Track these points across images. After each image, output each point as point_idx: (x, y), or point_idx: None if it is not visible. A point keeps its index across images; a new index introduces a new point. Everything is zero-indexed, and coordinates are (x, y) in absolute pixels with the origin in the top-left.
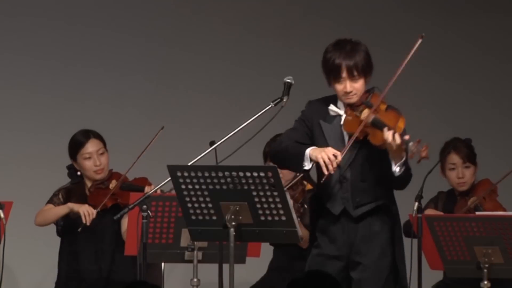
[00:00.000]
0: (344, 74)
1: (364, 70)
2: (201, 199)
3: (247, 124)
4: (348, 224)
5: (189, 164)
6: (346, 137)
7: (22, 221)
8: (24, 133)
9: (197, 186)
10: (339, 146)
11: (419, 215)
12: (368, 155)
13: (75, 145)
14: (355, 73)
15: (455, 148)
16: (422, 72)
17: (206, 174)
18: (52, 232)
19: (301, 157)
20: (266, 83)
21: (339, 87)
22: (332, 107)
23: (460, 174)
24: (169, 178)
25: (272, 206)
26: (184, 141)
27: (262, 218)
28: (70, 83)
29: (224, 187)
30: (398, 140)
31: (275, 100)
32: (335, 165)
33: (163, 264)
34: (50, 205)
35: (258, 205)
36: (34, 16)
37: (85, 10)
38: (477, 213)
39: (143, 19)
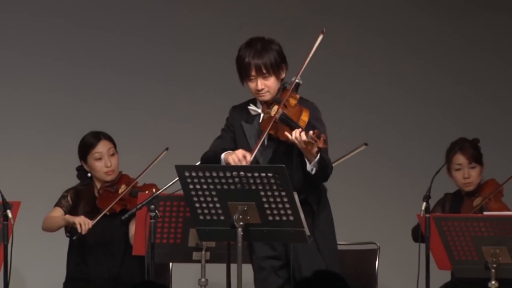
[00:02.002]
0: (253, 73)
1: (274, 68)
2: (209, 199)
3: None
4: None
5: (197, 164)
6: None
7: (30, 221)
8: (32, 133)
9: (205, 186)
10: (264, 150)
11: (427, 215)
12: (286, 151)
13: (86, 146)
14: (264, 71)
15: (461, 148)
16: (429, 72)
17: (214, 174)
18: (61, 232)
19: (218, 163)
20: None
21: (251, 85)
22: (251, 106)
23: (466, 174)
24: (177, 178)
25: (280, 206)
26: (192, 141)
27: (270, 218)
28: (79, 83)
29: (232, 187)
30: (303, 137)
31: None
32: (243, 162)
33: (171, 264)
34: (58, 209)
35: (266, 205)
36: (43, 16)
37: (94, 12)
38: (485, 213)
39: (152, 21)
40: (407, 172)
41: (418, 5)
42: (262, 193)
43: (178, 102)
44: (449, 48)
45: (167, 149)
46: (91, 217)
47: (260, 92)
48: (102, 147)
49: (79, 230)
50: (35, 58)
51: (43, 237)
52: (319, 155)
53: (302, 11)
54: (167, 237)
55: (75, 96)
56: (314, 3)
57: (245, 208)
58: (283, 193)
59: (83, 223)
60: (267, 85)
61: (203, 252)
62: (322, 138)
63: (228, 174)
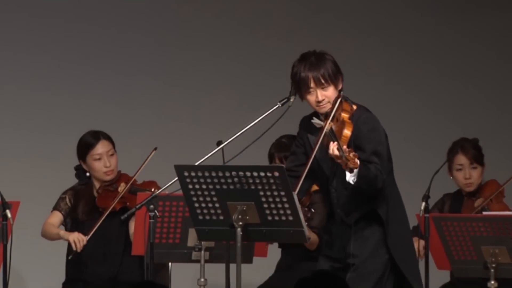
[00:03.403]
0: (312, 85)
1: (331, 78)
2: (208, 199)
3: (254, 124)
4: (344, 229)
5: (196, 164)
6: None
7: (30, 221)
8: (31, 133)
9: (204, 186)
10: (325, 157)
11: (426, 215)
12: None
13: (85, 146)
14: (323, 81)
15: (463, 148)
16: (429, 72)
17: (213, 174)
18: None
19: None
20: (273, 83)
21: (311, 98)
22: (314, 119)
23: (467, 175)
24: (176, 178)
25: (279, 206)
26: (191, 141)
27: (269, 218)
28: (79, 83)
29: (231, 187)
30: (335, 152)
31: (282, 100)
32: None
33: (170, 264)
34: (56, 213)
35: (265, 205)
36: (42, 16)
37: (94, 12)
38: (484, 213)
39: (151, 19)
40: (406, 172)
41: (417, 5)
42: (262, 193)
43: (177, 102)
44: (449, 48)
45: (155, 149)
46: (91, 217)
47: (321, 104)
48: (101, 147)
49: (74, 248)
50: (34, 58)
51: (43, 237)
52: (356, 169)
53: (302, 11)
54: (166, 237)
55: (75, 96)
56: (313, 3)
57: (245, 208)
58: (283, 193)
59: (77, 241)
60: (327, 95)
61: (202, 252)
62: (353, 158)
63: (227, 174)
